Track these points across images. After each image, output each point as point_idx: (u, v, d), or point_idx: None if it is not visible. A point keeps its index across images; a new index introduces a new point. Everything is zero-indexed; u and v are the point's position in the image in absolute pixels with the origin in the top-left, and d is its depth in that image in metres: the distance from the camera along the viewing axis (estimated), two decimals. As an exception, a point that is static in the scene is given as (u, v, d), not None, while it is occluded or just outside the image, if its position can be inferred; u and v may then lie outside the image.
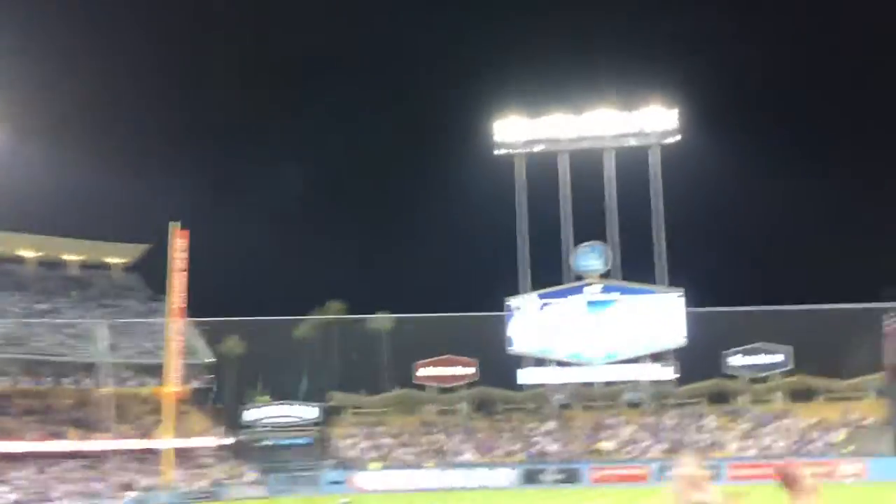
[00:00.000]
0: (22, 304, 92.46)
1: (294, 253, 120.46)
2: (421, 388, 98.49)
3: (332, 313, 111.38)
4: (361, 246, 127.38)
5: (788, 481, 10.49)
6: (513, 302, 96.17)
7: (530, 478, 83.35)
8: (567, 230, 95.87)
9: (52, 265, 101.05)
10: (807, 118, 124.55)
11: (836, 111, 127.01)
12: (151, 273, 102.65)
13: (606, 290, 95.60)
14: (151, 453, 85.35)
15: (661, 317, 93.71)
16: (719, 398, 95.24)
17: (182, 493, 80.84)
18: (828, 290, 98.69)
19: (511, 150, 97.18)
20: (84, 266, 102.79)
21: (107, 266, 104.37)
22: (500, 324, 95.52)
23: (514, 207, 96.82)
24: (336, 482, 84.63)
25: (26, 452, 78.01)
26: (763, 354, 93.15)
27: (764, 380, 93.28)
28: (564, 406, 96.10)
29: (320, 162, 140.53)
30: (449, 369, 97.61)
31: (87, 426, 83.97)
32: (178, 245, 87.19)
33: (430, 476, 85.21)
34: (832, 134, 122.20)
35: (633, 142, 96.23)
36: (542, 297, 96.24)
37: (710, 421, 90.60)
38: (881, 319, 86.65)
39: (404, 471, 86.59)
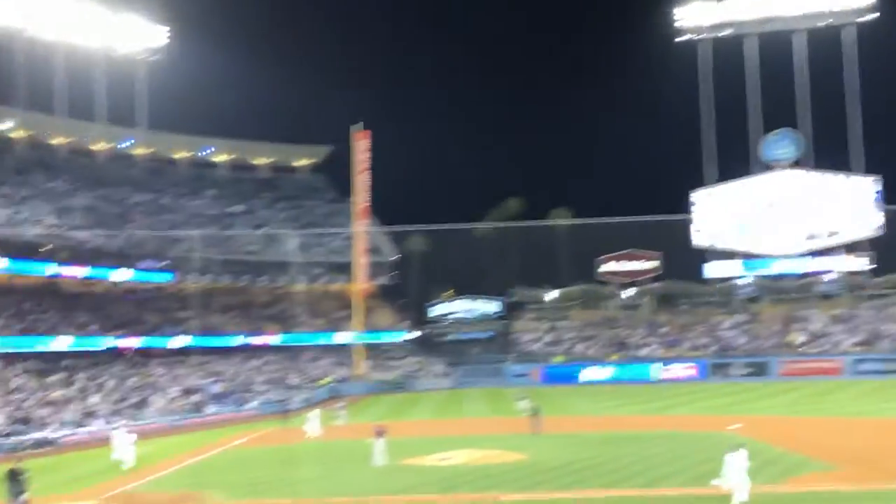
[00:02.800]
0: (218, 207, 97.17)
1: (473, 151, 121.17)
2: (603, 283, 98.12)
3: (512, 210, 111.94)
4: (540, 142, 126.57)
5: None
6: (698, 194, 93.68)
7: (717, 371, 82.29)
8: (755, 118, 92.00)
9: (243, 168, 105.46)
10: None
11: None
12: (335, 174, 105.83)
13: (797, 179, 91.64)
14: (343, 347, 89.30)
15: (855, 205, 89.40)
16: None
17: (374, 384, 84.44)
18: None
19: (694, 36, 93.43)
20: (273, 168, 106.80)
21: (293, 168, 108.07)
22: (683, 221, 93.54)
23: (697, 97, 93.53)
24: (520, 375, 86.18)
25: (228, 346, 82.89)
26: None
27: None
28: (752, 299, 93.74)
29: (498, 57, 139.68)
30: (631, 264, 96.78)
31: (282, 321, 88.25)
32: (361, 147, 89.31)
33: (614, 370, 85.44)
34: None
35: (824, 21, 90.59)
36: (728, 188, 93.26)
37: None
38: None
39: (587, 364, 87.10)
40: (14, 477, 28.85)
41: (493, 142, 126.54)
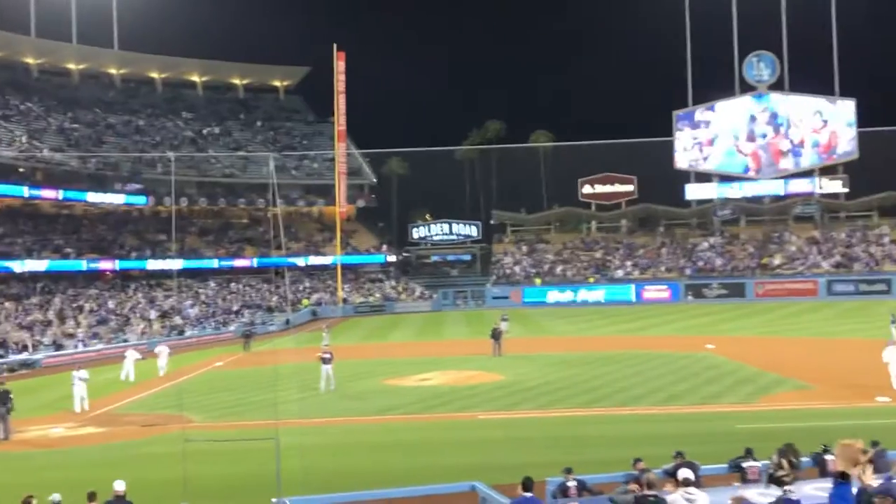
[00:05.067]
0: (195, 127, 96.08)
1: (453, 72, 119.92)
2: (582, 206, 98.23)
3: (491, 133, 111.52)
4: (520, 64, 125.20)
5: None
6: (680, 115, 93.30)
7: (693, 292, 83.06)
8: (736, 40, 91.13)
9: (219, 89, 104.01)
10: None
11: None
12: (312, 96, 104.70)
13: (775, 101, 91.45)
14: (322, 269, 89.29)
15: (831, 128, 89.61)
16: (893, 211, 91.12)
17: (353, 306, 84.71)
18: None
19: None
20: (250, 89, 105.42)
21: (271, 89, 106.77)
22: (663, 144, 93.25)
23: (681, 17, 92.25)
24: (499, 297, 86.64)
25: (207, 269, 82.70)
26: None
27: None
28: (730, 221, 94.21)
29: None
30: (609, 187, 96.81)
31: (261, 244, 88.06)
32: (339, 68, 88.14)
33: (592, 292, 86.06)
34: None
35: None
36: (709, 109, 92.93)
37: (884, 234, 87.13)
38: None
39: (566, 286, 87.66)
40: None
41: (473, 64, 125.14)
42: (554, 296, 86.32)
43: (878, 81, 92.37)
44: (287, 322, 69.27)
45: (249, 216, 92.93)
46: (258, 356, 51.33)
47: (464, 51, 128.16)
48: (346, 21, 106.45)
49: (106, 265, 73.94)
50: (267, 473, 17.53)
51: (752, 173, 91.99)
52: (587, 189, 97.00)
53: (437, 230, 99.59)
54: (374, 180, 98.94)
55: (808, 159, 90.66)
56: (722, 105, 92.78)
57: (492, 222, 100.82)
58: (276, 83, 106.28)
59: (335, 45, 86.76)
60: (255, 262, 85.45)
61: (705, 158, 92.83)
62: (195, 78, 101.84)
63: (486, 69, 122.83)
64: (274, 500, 16.57)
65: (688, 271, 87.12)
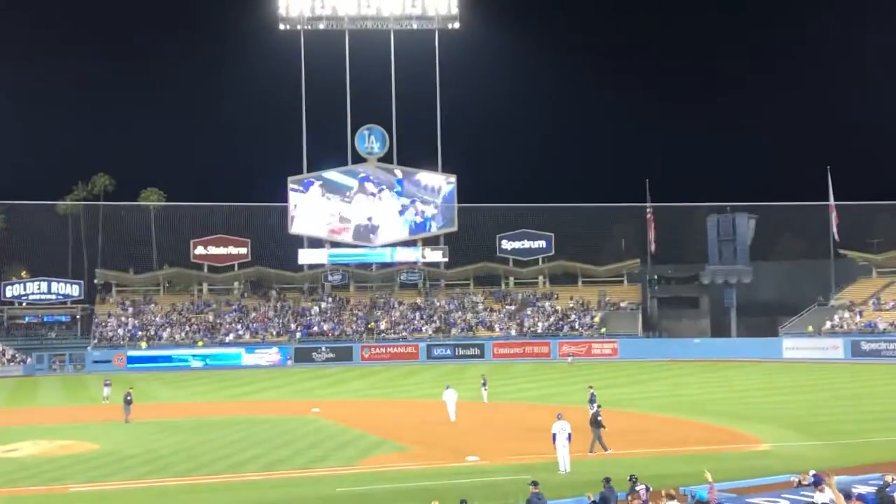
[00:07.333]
0: None
1: (57, 121, 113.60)
2: (194, 267, 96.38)
3: (99, 187, 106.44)
4: (131, 118, 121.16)
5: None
6: (294, 183, 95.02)
7: (303, 356, 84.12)
8: (349, 112, 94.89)
9: None
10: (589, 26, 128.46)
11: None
12: None
13: (383, 172, 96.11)
14: None
15: (434, 201, 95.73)
16: (487, 281, 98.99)
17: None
18: (591, 183, 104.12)
19: (295, 26, 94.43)
20: None
21: None
22: (278, 209, 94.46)
23: (300, 86, 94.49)
24: (101, 361, 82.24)
25: None
26: (527, 240, 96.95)
27: (528, 264, 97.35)
28: (340, 286, 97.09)
29: (91, 25, 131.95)
30: (222, 249, 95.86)
31: None
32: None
33: (200, 356, 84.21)
34: (608, 37, 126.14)
35: (414, 25, 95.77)
36: (321, 178, 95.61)
37: (479, 302, 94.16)
38: (643, 212, 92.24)
39: (173, 350, 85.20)
40: None
41: (84, 113, 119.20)
42: (161, 359, 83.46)
43: (476, 161, 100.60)
44: None
45: None
46: None
47: (75, 99, 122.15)
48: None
49: None
50: None
51: (359, 240, 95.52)
52: (200, 250, 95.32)
53: (33, 288, 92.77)
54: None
55: (414, 229, 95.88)
56: (332, 174, 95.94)
57: (95, 282, 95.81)
58: None
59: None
60: None
61: (316, 225, 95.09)
62: None
63: (97, 120, 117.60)
64: None
65: (298, 335, 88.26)
